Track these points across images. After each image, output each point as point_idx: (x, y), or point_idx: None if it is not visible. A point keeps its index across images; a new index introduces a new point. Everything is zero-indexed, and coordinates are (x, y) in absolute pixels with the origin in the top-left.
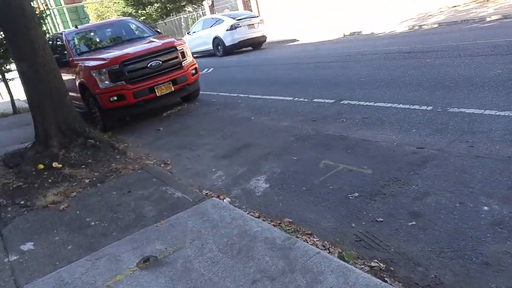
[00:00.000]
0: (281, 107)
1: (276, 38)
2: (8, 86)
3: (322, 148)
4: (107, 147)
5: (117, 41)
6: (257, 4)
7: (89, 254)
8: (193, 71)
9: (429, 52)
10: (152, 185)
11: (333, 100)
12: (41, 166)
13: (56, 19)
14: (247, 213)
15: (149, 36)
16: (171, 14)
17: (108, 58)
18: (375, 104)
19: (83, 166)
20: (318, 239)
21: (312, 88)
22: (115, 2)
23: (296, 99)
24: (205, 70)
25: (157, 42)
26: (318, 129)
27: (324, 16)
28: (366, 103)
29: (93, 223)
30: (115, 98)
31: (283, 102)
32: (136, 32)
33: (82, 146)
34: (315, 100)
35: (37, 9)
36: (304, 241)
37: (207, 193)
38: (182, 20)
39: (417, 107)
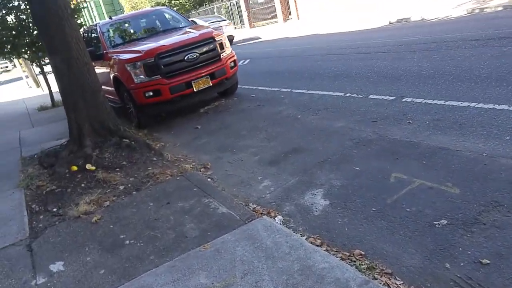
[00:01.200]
0: (331, 104)
1: (313, 29)
2: (47, 79)
3: (390, 157)
4: (143, 148)
5: (152, 32)
6: None
7: (123, 284)
8: (232, 63)
9: (503, 38)
10: (193, 195)
11: (393, 97)
12: (74, 168)
13: (92, 11)
14: (306, 239)
15: (185, 27)
16: (204, 3)
17: (143, 51)
18: (447, 103)
19: (118, 169)
20: (402, 283)
21: (365, 82)
22: None
23: (348, 94)
24: (241, 61)
25: (194, 33)
26: (381, 132)
27: (365, 3)
28: (435, 102)
29: (127, 242)
30: (151, 93)
31: (332, 98)
32: (172, 23)
33: (117, 146)
34: (371, 96)
35: (74, 1)
36: (384, 284)
37: (255, 208)
38: (215, 10)
39: (505, 107)
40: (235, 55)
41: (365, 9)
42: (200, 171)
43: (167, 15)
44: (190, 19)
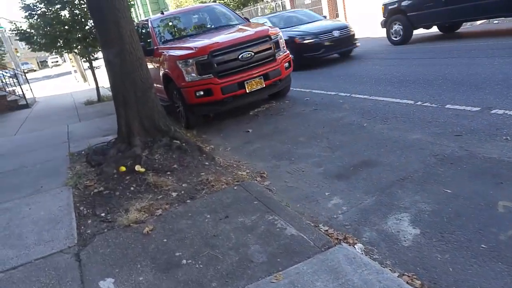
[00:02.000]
0: (401, 113)
1: (363, 32)
2: (95, 74)
3: (490, 180)
4: (194, 150)
5: (204, 29)
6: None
7: None
8: (287, 64)
9: None
10: (254, 210)
11: (478, 108)
12: (123, 168)
13: (138, 9)
14: (399, 276)
15: (238, 24)
16: (249, 3)
17: (196, 48)
18: None
19: (169, 173)
20: None
21: (438, 90)
22: None
23: (419, 103)
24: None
25: (249, 31)
26: (471, 149)
27: None
28: None
29: (184, 261)
30: (202, 93)
31: (401, 106)
32: (224, 20)
33: (167, 147)
34: (448, 106)
35: None
36: None
37: (327, 231)
38: (259, 10)
39: None
40: (291, 56)
41: None
42: (256, 180)
43: (219, 12)
44: (243, 17)
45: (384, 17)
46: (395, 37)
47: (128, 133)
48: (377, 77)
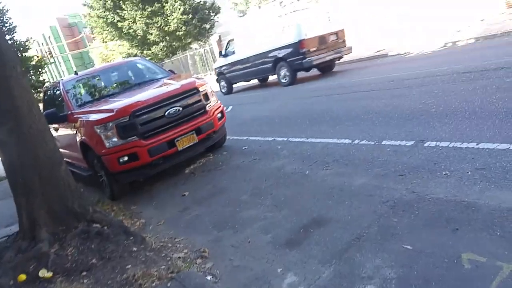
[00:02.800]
0: (341, 155)
1: None
2: None
3: (446, 227)
4: (119, 234)
5: (125, 87)
6: None
7: None
8: (219, 115)
9: (498, 69)
10: None
11: (411, 142)
12: (22, 277)
13: (60, 66)
14: None
15: (163, 78)
16: (177, 52)
17: (115, 109)
18: (481, 146)
19: (85, 273)
20: None
21: (370, 126)
22: (119, 45)
23: (356, 141)
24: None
25: (174, 84)
26: (417, 190)
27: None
28: (466, 145)
29: None
30: (126, 158)
31: (339, 146)
32: (148, 74)
33: (84, 235)
34: (384, 142)
35: (36, 57)
36: None
37: None
38: (188, 58)
39: None
40: (222, 105)
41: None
42: (197, 263)
43: (141, 66)
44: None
45: (216, 76)
46: (223, 90)
47: (32, 225)
48: (311, 116)
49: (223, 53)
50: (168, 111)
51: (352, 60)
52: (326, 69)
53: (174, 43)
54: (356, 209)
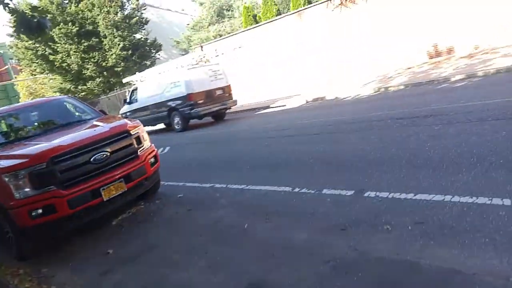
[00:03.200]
0: (282, 205)
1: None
2: None
3: None
4: None
5: (48, 128)
6: None
7: None
8: (153, 159)
9: (427, 116)
10: None
11: (351, 192)
12: None
13: None
14: None
15: (92, 119)
16: (115, 88)
17: (30, 154)
18: (418, 197)
19: None
20: None
21: (309, 172)
22: (51, 79)
23: (297, 190)
24: (160, 149)
25: (103, 127)
26: (360, 248)
27: (271, 83)
28: (404, 196)
29: None
30: (40, 211)
31: (280, 195)
32: (75, 114)
33: None
34: (325, 191)
35: None
36: None
37: None
38: (126, 93)
39: (498, 201)
40: (156, 149)
41: (274, 88)
42: None
43: (68, 106)
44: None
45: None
46: None
47: None
48: (251, 161)
49: (128, 100)
50: (94, 157)
51: (289, 108)
52: (218, 117)
53: (112, 79)
54: (298, 271)
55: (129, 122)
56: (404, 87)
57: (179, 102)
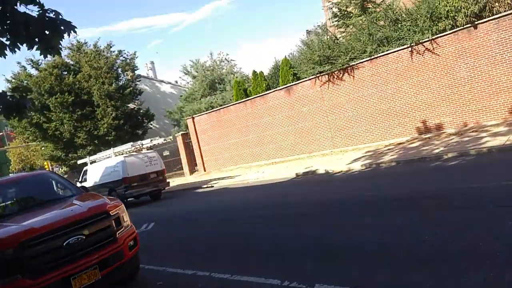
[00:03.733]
0: None
1: (222, 183)
2: None
3: None
4: None
5: (25, 205)
6: (199, 144)
7: None
8: (132, 242)
9: (423, 199)
10: None
11: None
12: None
13: None
14: None
15: (72, 196)
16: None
17: None
18: None
19: None
20: None
21: (302, 260)
22: (43, 146)
23: (287, 282)
24: (144, 225)
25: (81, 206)
26: None
27: (266, 153)
28: None
29: None
30: None
31: None
32: (55, 191)
33: None
34: (317, 286)
35: None
36: None
37: None
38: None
39: None
40: (135, 230)
41: (269, 157)
42: None
43: (49, 181)
44: (81, 185)
45: None
46: None
47: None
48: (240, 245)
49: (79, 180)
50: (68, 241)
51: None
52: (155, 197)
53: (102, 148)
54: None
55: (108, 201)
56: (396, 164)
57: (117, 184)
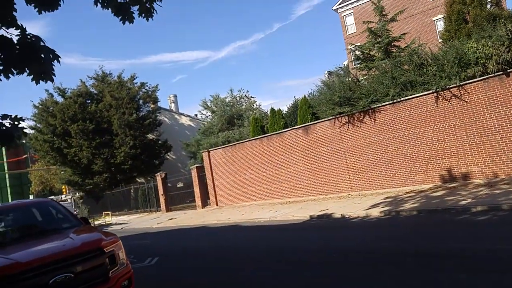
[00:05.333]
0: None
1: (232, 218)
2: None
3: None
4: None
5: (16, 236)
6: (213, 178)
7: None
8: (126, 282)
9: (447, 258)
10: None
11: None
12: None
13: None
14: None
15: (69, 228)
16: (121, 184)
17: None
18: None
19: None
20: None
21: None
22: (62, 170)
23: None
24: (148, 260)
25: (74, 241)
26: None
27: (281, 192)
28: None
29: None
30: None
31: None
32: (53, 221)
33: None
34: None
35: None
36: None
37: None
38: (132, 191)
39: None
40: (131, 269)
41: (283, 195)
42: None
43: (48, 211)
44: (80, 216)
45: None
46: None
47: None
48: None
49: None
50: (55, 278)
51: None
52: None
53: (118, 175)
54: None
55: (104, 237)
56: (417, 213)
57: None
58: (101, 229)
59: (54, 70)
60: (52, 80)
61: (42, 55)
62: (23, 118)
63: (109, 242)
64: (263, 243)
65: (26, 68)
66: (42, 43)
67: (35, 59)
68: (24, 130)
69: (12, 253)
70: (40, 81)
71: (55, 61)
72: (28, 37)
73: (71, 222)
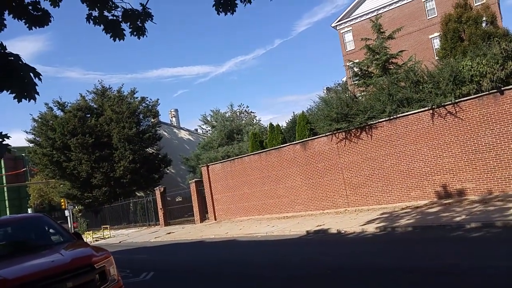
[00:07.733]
0: None
1: (230, 233)
2: None
3: None
4: None
5: (6, 251)
6: (211, 192)
7: None
8: None
9: (440, 275)
10: None
11: None
12: None
13: None
14: None
15: (60, 244)
16: (119, 198)
17: None
18: None
19: None
20: None
21: None
22: (61, 184)
23: None
24: (143, 275)
25: (63, 257)
26: None
27: (283, 207)
28: None
29: None
30: None
31: None
32: (45, 237)
33: None
34: None
35: None
36: None
37: None
38: (131, 205)
39: None
40: (122, 284)
41: (281, 210)
42: None
43: (40, 226)
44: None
45: None
46: None
47: None
48: None
49: None
50: None
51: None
52: None
53: (117, 189)
54: None
55: (95, 252)
56: (413, 229)
57: None
58: (96, 244)
59: (36, 89)
60: (34, 99)
61: (21, 73)
62: (8, 135)
63: (100, 258)
64: (258, 259)
65: (5, 87)
66: (20, 62)
67: (16, 77)
68: (8, 147)
69: None
70: (23, 99)
71: (37, 78)
72: (8, 55)
73: (64, 237)
